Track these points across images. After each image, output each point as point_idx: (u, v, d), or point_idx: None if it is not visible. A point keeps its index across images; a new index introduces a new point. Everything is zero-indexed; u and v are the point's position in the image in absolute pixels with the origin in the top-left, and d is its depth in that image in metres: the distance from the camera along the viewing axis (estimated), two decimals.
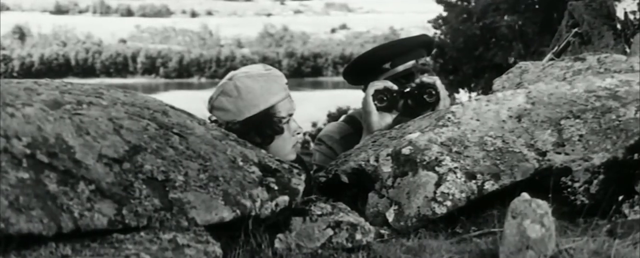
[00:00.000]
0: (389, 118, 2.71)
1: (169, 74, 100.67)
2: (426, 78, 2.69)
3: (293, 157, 2.45)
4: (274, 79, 2.41)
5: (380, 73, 2.77)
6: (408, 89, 2.69)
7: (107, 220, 1.50)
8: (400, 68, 2.76)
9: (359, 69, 2.84)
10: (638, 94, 2.05)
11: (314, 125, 24.85)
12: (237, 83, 2.38)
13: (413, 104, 2.70)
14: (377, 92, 2.69)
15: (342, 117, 3.06)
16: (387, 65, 2.75)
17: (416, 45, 2.80)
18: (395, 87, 2.69)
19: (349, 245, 1.75)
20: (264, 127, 2.38)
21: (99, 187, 1.52)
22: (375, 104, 2.68)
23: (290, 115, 2.45)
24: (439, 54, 15.75)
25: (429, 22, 16.99)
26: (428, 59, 2.84)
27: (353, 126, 2.89)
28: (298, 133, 2.48)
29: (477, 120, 2.09)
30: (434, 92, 2.67)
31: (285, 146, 2.44)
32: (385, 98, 2.68)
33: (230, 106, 2.37)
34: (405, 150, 2.02)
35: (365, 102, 2.71)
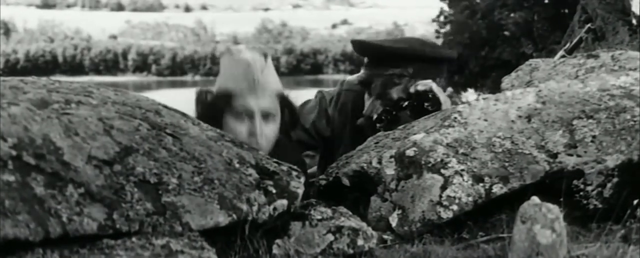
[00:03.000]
0: None
1: (162, 72, 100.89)
2: (421, 86, 2.63)
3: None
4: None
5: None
6: (406, 103, 2.66)
7: (97, 225, 1.45)
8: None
9: (378, 56, 2.79)
10: None
11: None
12: None
13: (413, 115, 2.65)
14: (378, 117, 2.70)
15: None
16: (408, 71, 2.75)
17: (439, 61, 2.79)
18: (389, 106, 2.69)
19: (351, 251, 1.71)
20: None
21: (88, 190, 1.48)
22: (379, 128, 2.66)
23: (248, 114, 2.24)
24: None
25: (433, 20, 17.08)
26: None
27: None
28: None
29: (485, 120, 2.04)
30: (431, 97, 2.62)
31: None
32: (384, 118, 2.69)
33: None
34: (410, 152, 1.97)
35: None
